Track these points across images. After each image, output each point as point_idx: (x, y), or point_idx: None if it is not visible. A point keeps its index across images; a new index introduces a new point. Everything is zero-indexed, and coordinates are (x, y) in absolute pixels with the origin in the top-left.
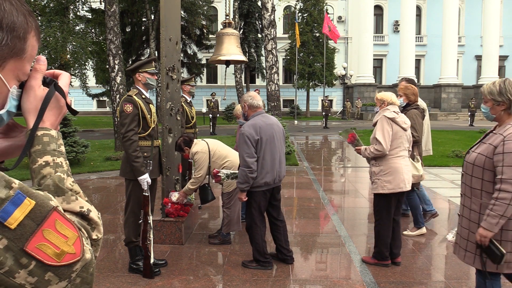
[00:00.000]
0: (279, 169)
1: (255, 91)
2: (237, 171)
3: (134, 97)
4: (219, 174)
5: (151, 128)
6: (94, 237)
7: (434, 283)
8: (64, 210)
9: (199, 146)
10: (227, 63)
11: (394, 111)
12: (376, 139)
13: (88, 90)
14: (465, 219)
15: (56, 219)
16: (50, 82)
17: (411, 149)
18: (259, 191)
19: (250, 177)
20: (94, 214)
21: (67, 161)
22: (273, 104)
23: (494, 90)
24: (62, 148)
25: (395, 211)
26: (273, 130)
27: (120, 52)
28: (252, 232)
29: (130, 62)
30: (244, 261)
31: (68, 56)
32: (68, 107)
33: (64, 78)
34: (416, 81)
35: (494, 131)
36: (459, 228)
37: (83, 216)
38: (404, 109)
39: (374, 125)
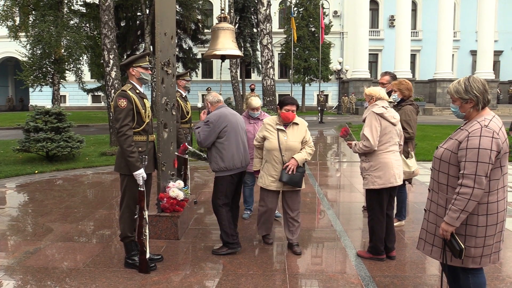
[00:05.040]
0: (244, 154)
1: (250, 86)
2: (202, 154)
3: (128, 92)
4: (188, 146)
5: (145, 123)
6: None
7: (429, 276)
8: None
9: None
10: (223, 57)
11: (382, 106)
12: (365, 135)
13: (83, 85)
14: (432, 214)
15: None
16: None
17: (402, 143)
18: (227, 176)
19: (197, 135)
20: None
21: None
22: (268, 99)
23: (460, 88)
24: None
25: (388, 206)
26: (236, 119)
27: (114, 46)
28: (219, 214)
29: (125, 57)
30: (213, 249)
31: (62, 50)
32: None
33: None
34: (396, 76)
35: (462, 127)
36: (425, 223)
37: None
38: (398, 105)
39: (364, 121)
